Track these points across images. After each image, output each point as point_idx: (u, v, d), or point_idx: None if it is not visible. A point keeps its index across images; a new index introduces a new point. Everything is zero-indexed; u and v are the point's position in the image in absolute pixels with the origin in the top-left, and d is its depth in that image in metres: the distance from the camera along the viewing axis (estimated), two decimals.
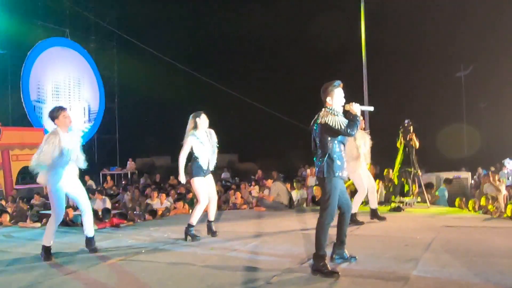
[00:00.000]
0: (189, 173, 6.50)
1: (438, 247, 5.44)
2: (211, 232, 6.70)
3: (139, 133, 24.76)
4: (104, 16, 23.66)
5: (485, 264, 4.61)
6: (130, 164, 21.68)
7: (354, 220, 7.06)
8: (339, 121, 4.52)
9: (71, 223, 8.90)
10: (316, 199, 10.39)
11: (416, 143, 9.26)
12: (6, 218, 9.55)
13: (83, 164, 5.96)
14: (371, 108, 4.88)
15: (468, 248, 5.34)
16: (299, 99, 23.65)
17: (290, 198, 10.11)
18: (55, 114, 5.89)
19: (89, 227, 5.95)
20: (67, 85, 22.97)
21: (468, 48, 23.30)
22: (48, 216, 10.08)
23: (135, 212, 10.84)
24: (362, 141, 7.45)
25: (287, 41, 25.00)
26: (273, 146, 23.37)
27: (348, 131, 4.48)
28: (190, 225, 6.48)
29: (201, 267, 4.93)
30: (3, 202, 12.27)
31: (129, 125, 25.04)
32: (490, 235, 6.08)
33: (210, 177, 6.63)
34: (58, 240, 6.59)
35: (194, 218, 6.50)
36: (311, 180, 12.82)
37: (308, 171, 13.76)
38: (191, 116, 6.57)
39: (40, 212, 10.69)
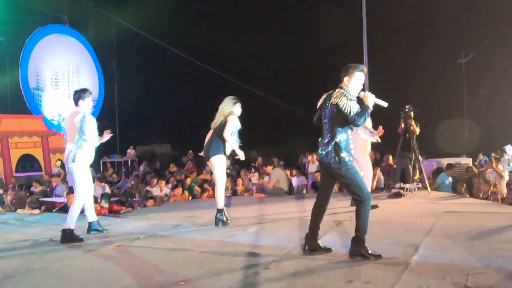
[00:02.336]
0: (212, 151, 6.34)
1: (438, 232, 5.40)
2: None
3: (139, 121, 24.72)
4: (103, 2, 23.46)
5: (486, 249, 4.57)
6: (131, 152, 21.64)
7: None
8: (351, 106, 4.33)
9: None
10: (317, 185, 10.36)
11: (416, 128, 9.20)
12: None
13: None
14: (385, 104, 4.64)
15: (469, 233, 5.29)
16: (299, 86, 23.58)
17: (290, 185, 10.07)
18: (83, 95, 5.88)
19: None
20: (66, 73, 22.83)
21: (470, 35, 23.16)
22: (47, 203, 10.12)
23: (134, 199, 10.83)
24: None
25: (287, 28, 24.85)
26: (273, 133, 23.34)
27: (356, 119, 4.30)
28: (219, 210, 6.34)
29: (199, 252, 4.89)
30: (1, 191, 12.23)
31: (129, 113, 24.97)
32: (491, 221, 6.03)
33: None
34: (57, 226, 6.56)
35: (221, 201, 6.37)
36: (312, 167, 12.77)
37: (310, 157, 13.69)
38: (231, 100, 6.46)
39: (39, 199, 10.67)
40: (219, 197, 6.38)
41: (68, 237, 5.66)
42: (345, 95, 4.40)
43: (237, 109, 6.48)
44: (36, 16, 21.11)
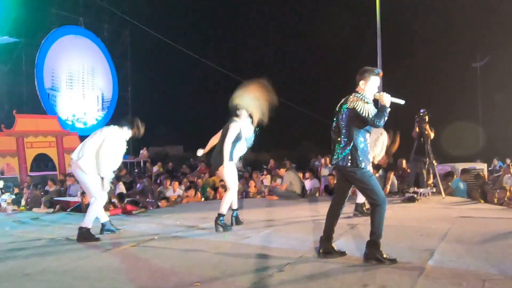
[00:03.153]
0: (221, 158, 6.15)
1: (454, 238, 5.36)
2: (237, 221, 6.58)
3: (152, 122, 24.81)
4: (118, 4, 23.66)
5: (502, 256, 4.53)
6: (144, 153, 21.76)
7: (362, 211, 7.02)
8: (368, 109, 4.33)
9: (86, 209, 8.95)
10: (330, 188, 10.34)
11: (430, 133, 9.14)
12: None
13: None
14: (402, 102, 4.56)
15: (484, 239, 5.25)
16: (312, 89, 23.56)
17: (303, 187, 10.05)
18: (135, 123, 6.18)
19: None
20: (81, 74, 23.10)
21: (485, 39, 22.99)
22: (61, 202, 10.22)
23: (147, 200, 10.90)
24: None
25: (300, 29, 24.83)
26: (285, 136, 23.31)
27: (376, 121, 4.30)
28: (220, 215, 6.14)
29: (214, 254, 4.91)
30: (16, 190, 12.38)
31: (142, 114, 25.12)
32: (506, 226, 5.97)
33: None
34: (72, 226, 6.64)
35: (225, 207, 6.20)
36: (324, 170, 12.75)
37: (322, 161, 13.66)
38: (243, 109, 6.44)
39: (54, 198, 10.78)
40: (226, 202, 6.20)
41: (85, 236, 5.73)
42: (361, 99, 4.40)
43: (244, 117, 6.43)
44: (52, 18, 21.39)
